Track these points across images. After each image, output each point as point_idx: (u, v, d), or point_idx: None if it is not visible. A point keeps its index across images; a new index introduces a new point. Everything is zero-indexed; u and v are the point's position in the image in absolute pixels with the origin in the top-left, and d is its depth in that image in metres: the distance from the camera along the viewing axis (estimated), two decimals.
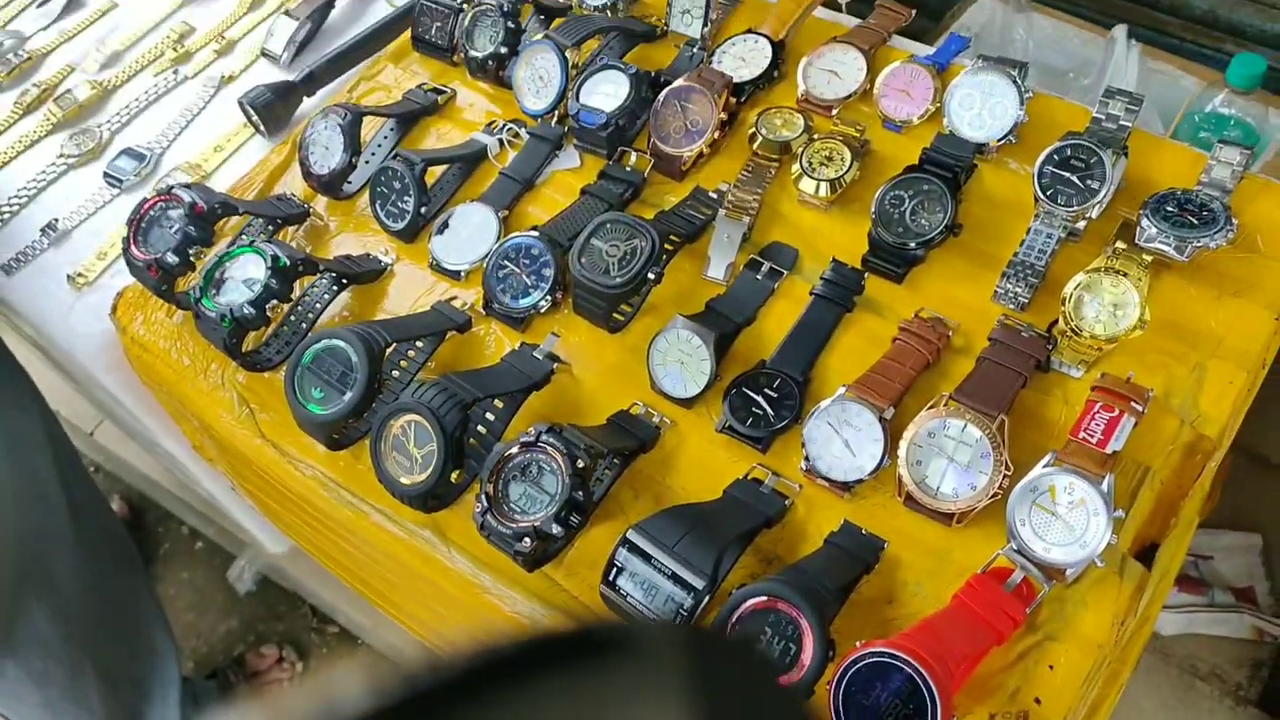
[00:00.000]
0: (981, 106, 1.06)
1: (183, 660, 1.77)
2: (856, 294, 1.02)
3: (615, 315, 1.04)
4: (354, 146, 1.17)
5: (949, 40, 1.16)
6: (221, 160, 1.36)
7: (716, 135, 1.12)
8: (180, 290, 1.11)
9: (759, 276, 1.05)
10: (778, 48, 1.18)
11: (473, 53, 1.25)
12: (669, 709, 0.33)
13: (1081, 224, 0.99)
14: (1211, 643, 1.61)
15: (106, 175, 1.36)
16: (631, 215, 1.01)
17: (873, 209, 1.02)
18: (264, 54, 1.46)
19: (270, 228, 1.16)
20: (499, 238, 1.10)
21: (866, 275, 1.03)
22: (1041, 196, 0.99)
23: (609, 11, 1.27)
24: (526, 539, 0.86)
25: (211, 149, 1.37)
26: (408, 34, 1.35)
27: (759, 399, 0.96)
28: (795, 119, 1.12)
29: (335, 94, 1.37)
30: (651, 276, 0.99)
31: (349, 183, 1.20)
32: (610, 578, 0.86)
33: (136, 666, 1.59)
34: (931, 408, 0.89)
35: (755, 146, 1.12)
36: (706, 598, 0.82)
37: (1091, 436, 0.85)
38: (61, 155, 1.39)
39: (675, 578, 0.83)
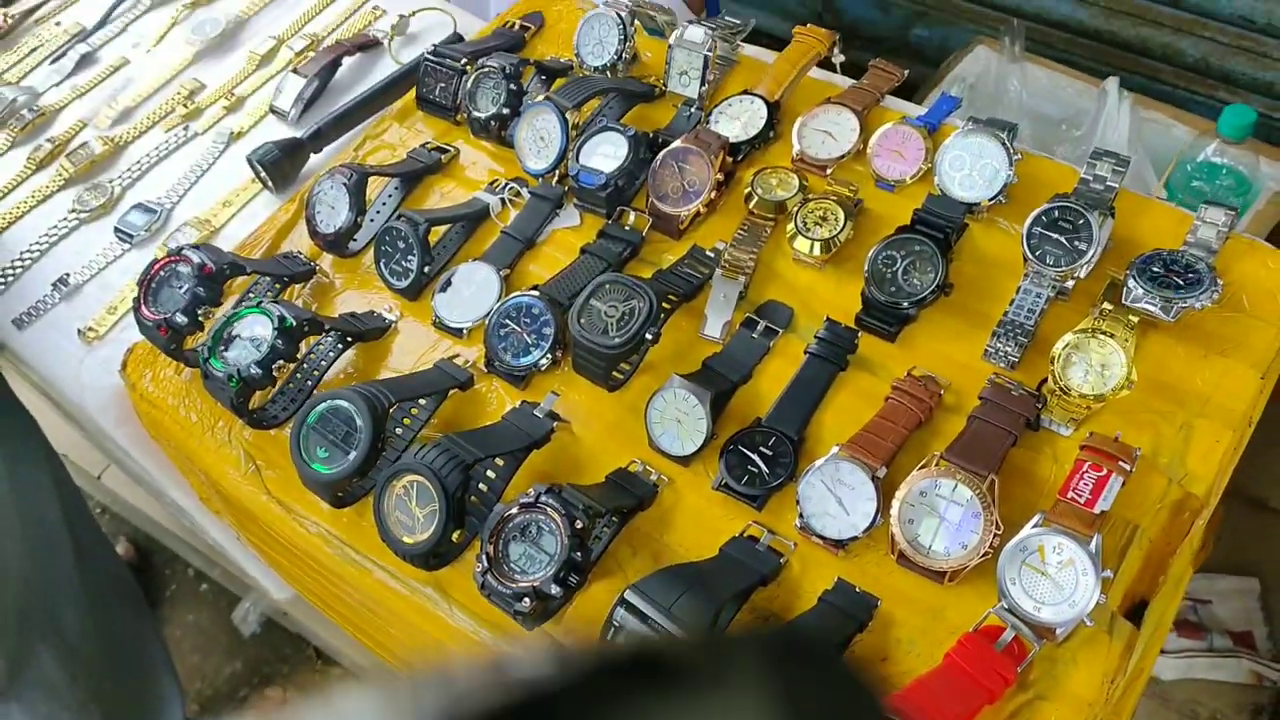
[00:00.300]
0: (972, 167, 1.09)
1: (187, 703, 1.78)
2: (850, 352, 1.04)
3: (614, 374, 1.06)
4: (359, 205, 1.20)
5: (940, 101, 1.18)
6: (230, 215, 1.39)
7: (713, 195, 1.15)
8: (189, 348, 1.14)
9: (755, 335, 1.07)
10: (773, 108, 1.21)
11: (475, 113, 1.28)
12: None
13: (1070, 283, 1.01)
14: (1211, 687, 1.62)
15: (117, 230, 1.39)
16: (629, 276, 1.04)
17: (866, 268, 1.04)
18: (272, 110, 1.50)
19: (277, 286, 1.18)
20: (500, 296, 1.13)
21: (860, 333, 1.05)
22: (1030, 257, 1.01)
23: (609, 73, 1.30)
24: (526, 599, 0.88)
25: (220, 204, 1.40)
26: (413, 93, 1.38)
27: (754, 457, 0.98)
28: (790, 179, 1.15)
29: (342, 150, 1.40)
30: (649, 337, 1.01)
31: (354, 241, 1.23)
32: (608, 637, 0.87)
33: (141, 710, 1.61)
34: (923, 467, 0.91)
35: (751, 206, 1.14)
36: None
37: (1080, 496, 0.87)
38: (73, 210, 1.42)
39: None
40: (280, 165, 1.37)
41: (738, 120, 1.21)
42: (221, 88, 1.56)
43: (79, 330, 1.29)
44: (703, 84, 1.25)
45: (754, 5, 2.58)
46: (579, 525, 0.88)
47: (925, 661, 0.87)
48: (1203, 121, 1.81)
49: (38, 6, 1.75)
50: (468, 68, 1.31)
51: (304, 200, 1.26)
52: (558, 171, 1.22)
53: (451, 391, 1.07)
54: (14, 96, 1.57)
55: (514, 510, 0.91)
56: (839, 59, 1.29)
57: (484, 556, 0.91)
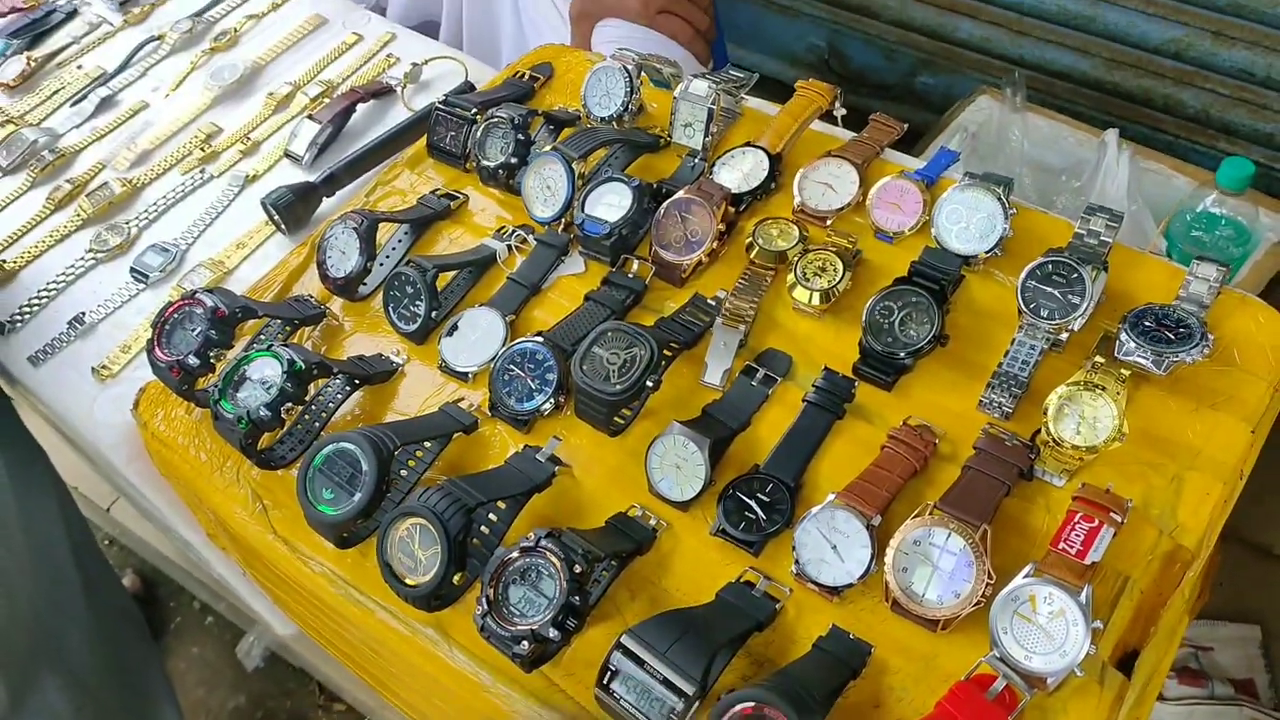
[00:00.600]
0: (968, 221, 1.11)
1: None
2: (847, 401, 1.06)
3: (615, 419, 1.08)
4: (369, 251, 1.22)
5: (939, 155, 1.21)
6: (243, 257, 1.42)
7: (715, 245, 1.17)
8: (200, 388, 1.16)
9: (754, 383, 1.09)
10: (775, 160, 1.23)
11: (484, 162, 1.31)
12: None
13: (1064, 335, 1.03)
14: None
15: (133, 270, 1.42)
16: (632, 324, 1.06)
17: (863, 319, 1.06)
18: (287, 155, 1.53)
19: (288, 329, 1.21)
20: (505, 341, 1.15)
21: (857, 383, 1.07)
22: (1025, 309, 1.03)
23: (615, 123, 1.33)
24: (525, 642, 0.89)
25: (234, 245, 1.44)
26: (423, 140, 1.42)
27: (752, 503, 1.00)
28: (791, 229, 1.17)
29: (354, 195, 1.43)
30: (650, 384, 1.03)
31: (364, 285, 1.26)
32: (604, 681, 0.89)
33: None
34: (917, 516, 0.93)
35: (752, 255, 1.17)
36: (696, 703, 0.85)
37: (1071, 547, 0.88)
38: (90, 250, 1.45)
39: (666, 682, 0.86)
40: (293, 209, 1.40)
41: (740, 171, 1.24)
42: (238, 132, 1.60)
43: (93, 368, 1.32)
44: (706, 135, 1.28)
45: (762, 51, 2.63)
46: (578, 570, 0.90)
47: (917, 709, 0.88)
48: (1203, 172, 1.84)
49: (60, 50, 1.79)
50: (477, 117, 1.34)
51: (315, 245, 1.29)
52: (564, 219, 1.25)
53: (456, 435, 1.10)
54: (35, 138, 1.61)
55: (514, 554, 0.93)
56: (840, 112, 1.32)
57: (484, 599, 0.92)
